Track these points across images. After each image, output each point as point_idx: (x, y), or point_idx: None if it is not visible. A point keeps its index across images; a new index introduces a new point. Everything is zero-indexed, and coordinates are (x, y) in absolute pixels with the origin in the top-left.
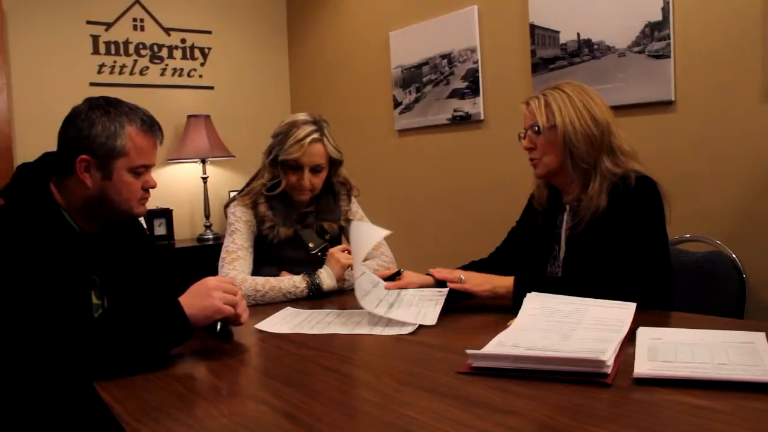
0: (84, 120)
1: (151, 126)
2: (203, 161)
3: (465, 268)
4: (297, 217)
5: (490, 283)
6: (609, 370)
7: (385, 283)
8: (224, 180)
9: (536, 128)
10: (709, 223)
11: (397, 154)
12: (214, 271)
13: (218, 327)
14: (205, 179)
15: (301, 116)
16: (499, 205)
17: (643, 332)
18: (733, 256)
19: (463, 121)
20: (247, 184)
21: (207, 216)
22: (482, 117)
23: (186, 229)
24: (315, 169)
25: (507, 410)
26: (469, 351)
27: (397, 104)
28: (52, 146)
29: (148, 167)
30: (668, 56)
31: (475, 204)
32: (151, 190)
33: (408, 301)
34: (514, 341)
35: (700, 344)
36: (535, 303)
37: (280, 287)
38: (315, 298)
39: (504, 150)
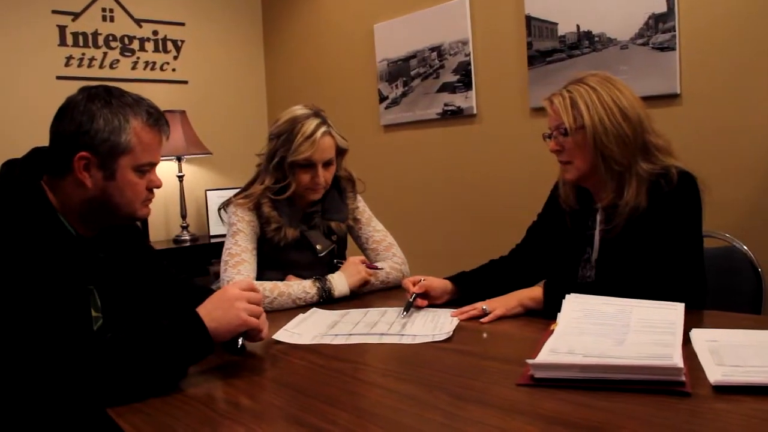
0: (83, 112)
1: (157, 119)
2: (179, 159)
3: (484, 267)
4: (302, 218)
5: (516, 300)
6: (685, 378)
7: (392, 310)
8: (201, 178)
9: (563, 129)
10: (719, 218)
11: (383, 150)
12: (195, 274)
13: (239, 342)
14: (180, 177)
15: (299, 110)
16: (494, 201)
17: (697, 334)
18: (747, 250)
19: (454, 115)
20: (243, 189)
21: (183, 216)
22: (475, 111)
23: (161, 231)
24: (327, 164)
25: (589, 426)
26: (530, 361)
27: (382, 99)
28: (18, 143)
29: (153, 165)
30: (674, 48)
31: (468, 201)
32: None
33: (422, 317)
34: (568, 348)
35: (759, 346)
36: (575, 305)
37: (290, 293)
38: (325, 303)
39: (498, 144)
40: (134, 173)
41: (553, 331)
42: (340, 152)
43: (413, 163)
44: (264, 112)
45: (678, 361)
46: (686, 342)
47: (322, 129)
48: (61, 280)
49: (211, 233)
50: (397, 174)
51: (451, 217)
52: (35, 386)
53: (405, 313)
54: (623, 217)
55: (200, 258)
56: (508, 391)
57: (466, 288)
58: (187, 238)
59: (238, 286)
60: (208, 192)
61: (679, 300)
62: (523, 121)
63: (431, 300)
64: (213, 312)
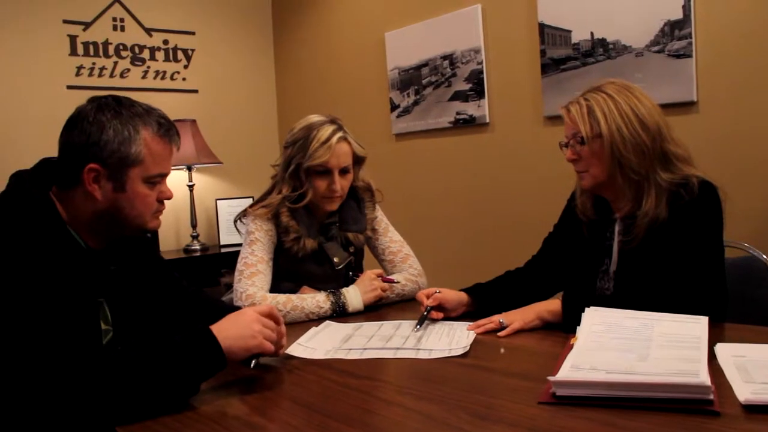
0: (92, 123)
1: (168, 130)
2: (189, 168)
3: (500, 279)
4: (319, 229)
5: (534, 313)
6: (713, 396)
7: (407, 323)
8: (211, 188)
9: (579, 138)
10: (736, 227)
11: (394, 160)
12: (205, 284)
13: (252, 364)
14: (191, 187)
15: (315, 118)
16: (507, 211)
17: (722, 349)
18: (766, 259)
19: (466, 124)
20: (259, 200)
21: (194, 226)
22: (487, 120)
23: (171, 240)
24: (343, 171)
25: None
26: (552, 378)
27: (394, 107)
28: (28, 153)
29: (164, 176)
30: (690, 55)
31: (481, 211)
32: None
33: (437, 331)
34: (590, 364)
35: None
36: (595, 318)
37: (303, 307)
38: (338, 317)
39: (511, 154)
40: (144, 185)
41: (572, 345)
42: (358, 161)
43: (425, 173)
44: (274, 122)
45: (705, 378)
46: (711, 357)
47: (338, 135)
48: (70, 293)
49: (222, 243)
50: (408, 183)
51: (463, 228)
52: (42, 401)
53: (419, 326)
54: (642, 228)
55: (210, 268)
56: (530, 409)
57: (482, 300)
58: (198, 247)
59: (257, 310)
60: (218, 201)
61: (702, 313)
62: (537, 129)
63: (446, 313)
64: (229, 330)
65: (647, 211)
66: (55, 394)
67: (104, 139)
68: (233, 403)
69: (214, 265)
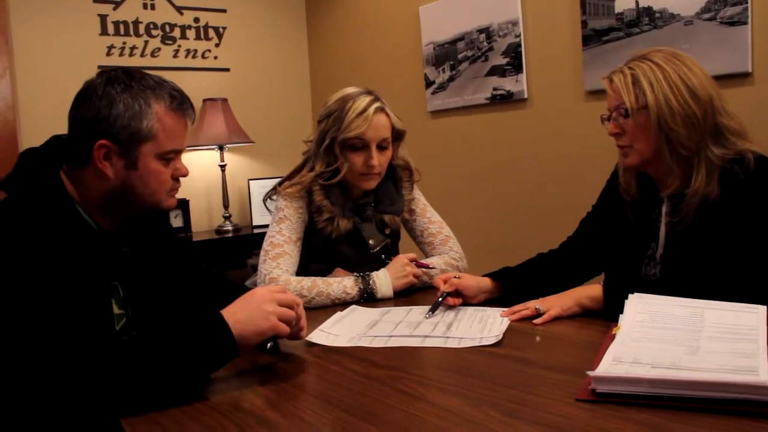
0: (101, 97)
1: (181, 103)
2: (221, 148)
3: (531, 262)
4: (353, 209)
5: (573, 299)
6: None
7: (427, 310)
8: (243, 167)
9: (623, 110)
10: None
11: (430, 137)
12: (236, 266)
13: (268, 345)
14: (223, 167)
15: (350, 89)
16: (546, 190)
17: None
18: None
19: (504, 100)
20: (288, 177)
21: (226, 206)
22: (526, 95)
23: (203, 221)
24: (381, 146)
25: None
26: (591, 373)
27: (429, 84)
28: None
29: (178, 152)
30: (745, 23)
31: (518, 190)
32: (182, 179)
33: (469, 317)
34: (633, 356)
35: None
36: (639, 306)
37: (329, 293)
38: (366, 302)
39: (551, 130)
40: (158, 161)
41: (614, 335)
42: (397, 136)
43: (461, 151)
44: (308, 100)
45: (766, 377)
46: None
47: (376, 105)
48: (82, 277)
49: (254, 223)
50: (444, 162)
51: (501, 209)
52: (46, 390)
53: (431, 313)
54: (692, 208)
55: (243, 249)
56: (566, 407)
57: (512, 285)
58: (230, 228)
59: (270, 289)
60: (250, 182)
61: (760, 302)
62: (578, 105)
63: (465, 300)
64: (239, 314)
65: (697, 189)
66: (59, 382)
67: (114, 114)
68: (246, 395)
69: (247, 246)
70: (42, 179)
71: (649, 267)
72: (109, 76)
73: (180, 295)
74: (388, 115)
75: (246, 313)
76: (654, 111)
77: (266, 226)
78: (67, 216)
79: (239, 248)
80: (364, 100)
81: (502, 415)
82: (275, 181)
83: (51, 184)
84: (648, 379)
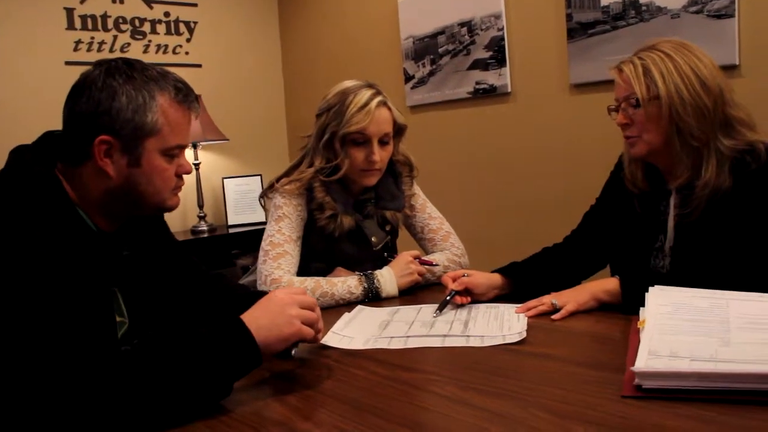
0: (102, 89)
1: (187, 95)
2: (194, 146)
3: (539, 257)
4: (354, 205)
5: (589, 293)
6: None
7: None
8: (218, 165)
9: (634, 100)
10: None
11: (409, 132)
12: (215, 266)
13: (293, 352)
14: (197, 165)
15: (350, 82)
16: (530, 185)
17: None
18: None
19: (486, 94)
20: (286, 174)
21: (200, 206)
22: (509, 89)
23: (177, 221)
24: (382, 141)
25: None
26: (636, 369)
27: (408, 78)
28: (26, 133)
29: (182, 148)
30: (732, 15)
31: (502, 185)
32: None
33: (483, 314)
34: (669, 350)
35: None
36: (661, 299)
37: (333, 293)
38: (370, 302)
39: (535, 125)
40: (162, 158)
41: (639, 329)
42: (398, 131)
43: (443, 146)
44: (281, 96)
45: None
46: None
47: (378, 99)
48: (82, 283)
49: (230, 223)
50: (425, 157)
51: (484, 204)
52: (51, 407)
53: (439, 311)
54: (703, 200)
55: (219, 249)
56: (614, 404)
57: (522, 281)
58: (205, 228)
59: (290, 292)
60: (225, 180)
61: None
62: (563, 99)
63: (475, 297)
64: (261, 320)
65: (707, 180)
66: (66, 399)
67: (116, 107)
68: (272, 405)
69: (223, 246)
70: (37, 177)
71: (657, 259)
72: (109, 66)
73: (183, 300)
74: (390, 110)
75: (268, 318)
76: (666, 101)
77: (243, 225)
78: (65, 217)
79: (215, 249)
80: (366, 94)
81: (551, 415)
82: (250, 179)
83: (47, 183)
84: (697, 373)
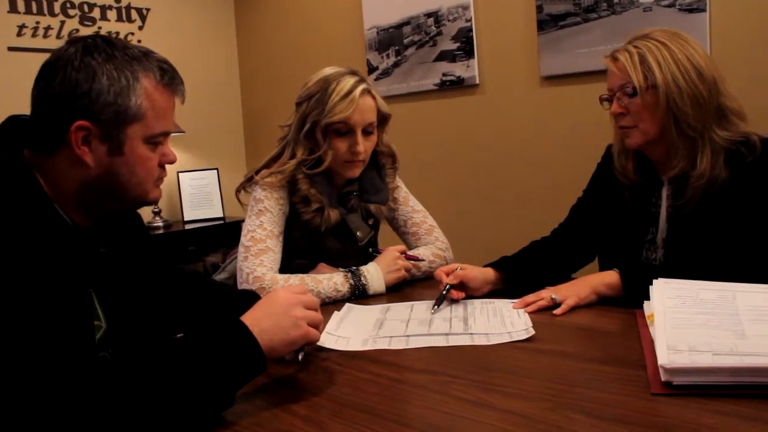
0: (79, 69)
1: (173, 77)
2: None
3: (528, 251)
4: (337, 199)
5: (589, 287)
6: None
7: (432, 304)
8: None
9: (630, 89)
10: None
11: None
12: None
13: (300, 356)
14: None
15: (331, 69)
16: (500, 179)
17: None
18: None
19: (454, 86)
20: (266, 165)
21: None
22: (477, 81)
23: None
24: (366, 131)
25: None
26: (664, 365)
27: (372, 69)
28: None
29: (166, 135)
30: (704, 9)
31: (471, 178)
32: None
33: (481, 311)
34: (688, 344)
35: None
36: (667, 292)
37: (319, 291)
38: (356, 299)
39: (504, 117)
40: (145, 146)
41: (649, 323)
42: (382, 120)
43: (408, 139)
44: (237, 88)
45: None
46: None
47: (362, 87)
48: (58, 283)
49: (186, 218)
50: None
51: (453, 197)
52: (29, 424)
53: (436, 307)
54: (698, 191)
55: (175, 246)
56: (646, 402)
57: (514, 275)
58: (161, 224)
59: (293, 290)
60: (180, 174)
61: None
62: (533, 90)
63: (469, 292)
64: (264, 322)
65: (702, 172)
66: (46, 415)
67: (96, 89)
68: (279, 416)
69: (179, 242)
70: (7, 167)
71: (649, 252)
72: (86, 43)
73: (161, 301)
74: (374, 98)
75: (272, 321)
76: (663, 90)
77: (199, 221)
78: (40, 210)
79: (171, 245)
80: (349, 81)
81: (587, 417)
82: (207, 173)
83: (16, 172)
84: (730, 368)
